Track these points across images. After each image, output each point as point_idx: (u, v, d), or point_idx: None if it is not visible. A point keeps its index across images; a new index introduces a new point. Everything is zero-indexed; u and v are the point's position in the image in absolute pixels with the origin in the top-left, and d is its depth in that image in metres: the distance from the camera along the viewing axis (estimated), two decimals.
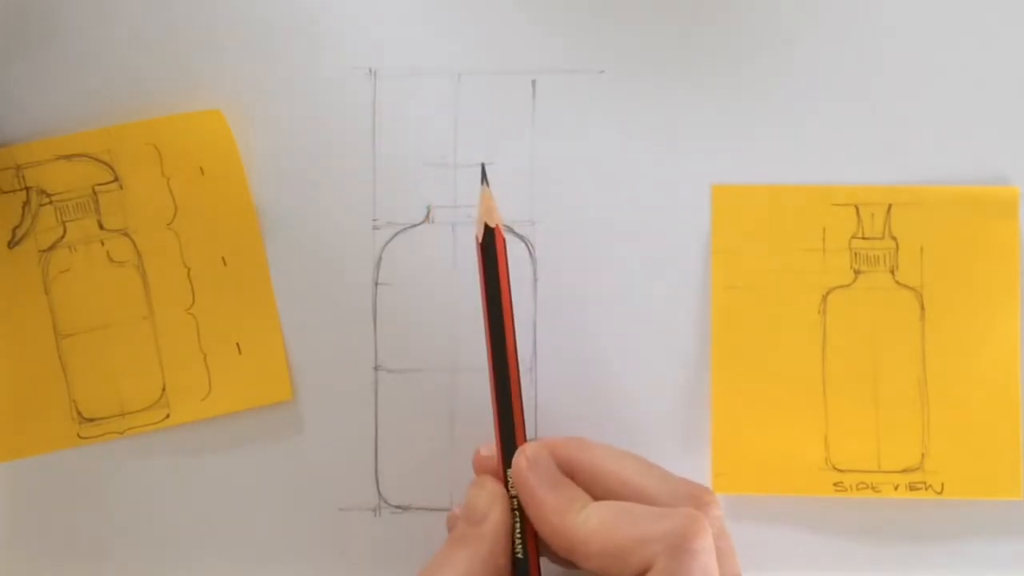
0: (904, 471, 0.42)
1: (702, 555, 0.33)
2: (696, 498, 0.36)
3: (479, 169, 0.40)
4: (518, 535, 0.36)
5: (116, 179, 0.41)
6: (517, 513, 0.36)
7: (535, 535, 0.36)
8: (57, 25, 0.42)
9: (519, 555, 0.36)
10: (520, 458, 0.36)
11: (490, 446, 0.37)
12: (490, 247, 0.37)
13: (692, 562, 0.33)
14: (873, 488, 0.42)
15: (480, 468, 0.38)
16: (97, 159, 0.41)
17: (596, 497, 0.36)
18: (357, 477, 0.42)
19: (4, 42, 0.42)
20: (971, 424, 0.41)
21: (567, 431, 0.41)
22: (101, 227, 0.41)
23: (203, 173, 0.41)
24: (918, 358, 0.42)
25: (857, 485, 0.42)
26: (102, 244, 0.41)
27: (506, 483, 0.37)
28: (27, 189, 0.41)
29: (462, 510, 0.37)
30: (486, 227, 0.37)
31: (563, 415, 0.42)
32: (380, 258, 0.42)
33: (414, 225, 0.42)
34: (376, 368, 0.42)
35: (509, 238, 0.42)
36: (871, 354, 0.42)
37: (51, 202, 0.41)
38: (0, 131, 0.41)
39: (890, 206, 0.42)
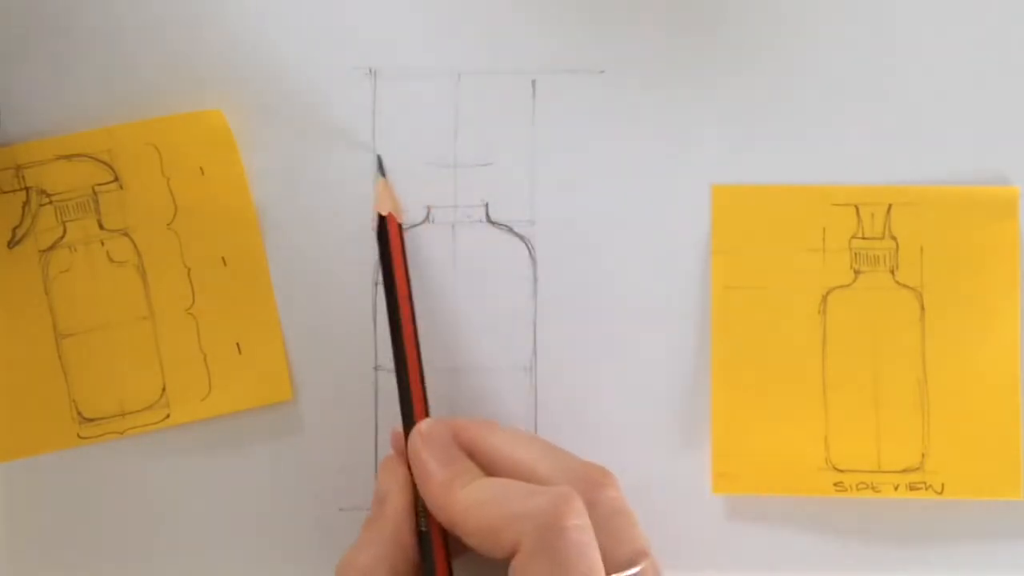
0: (904, 471, 0.42)
1: (571, 532, 0.33)
2: (590, 479, 0.36)
3: (479, 168, 0.40)
4: (421, 509, 0.37)
5: (116, 179, 0.41)
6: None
7: None
8: (57, 25, 0.42)
9: (423, 528, 0.37)
10: (415, 433, 0.37)
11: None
12: (383, 234, 0.39)
13: (559, 540, 0.33)
14: (873, 488, 0.42)
15: (396, 446, 0.38)
16: (97, 159, 0.41)
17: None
18: (357, 477, 0.42)
19: (4, 42, 0.42)
20: (971, 424, 0.41)
21: (567, 431, 0.42)
22: (101, 227, 0.41)
23: (203, 173, 0.41)
24: (918, 358, 0.42)
25: (857, 485, 0.42)
26: (102, 244, 0.41)
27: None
28: (27, 189, 0.41)
29: (374, 496, 0.38)
30: (379, 216, 0.39)
31: (563, 415, 0.42)
32: None
33: (414, 225, 0.42)
34: (376, 368, 0.42)
35: (510, 238, 0.42)
36: (871, 354, 0.42)
37: (51, 202, 0.41)
38: (0, 131, 0.41)
39: (890, 206, 0.42)
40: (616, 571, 0.34)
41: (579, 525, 0.33)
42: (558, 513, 0.33)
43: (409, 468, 0.37)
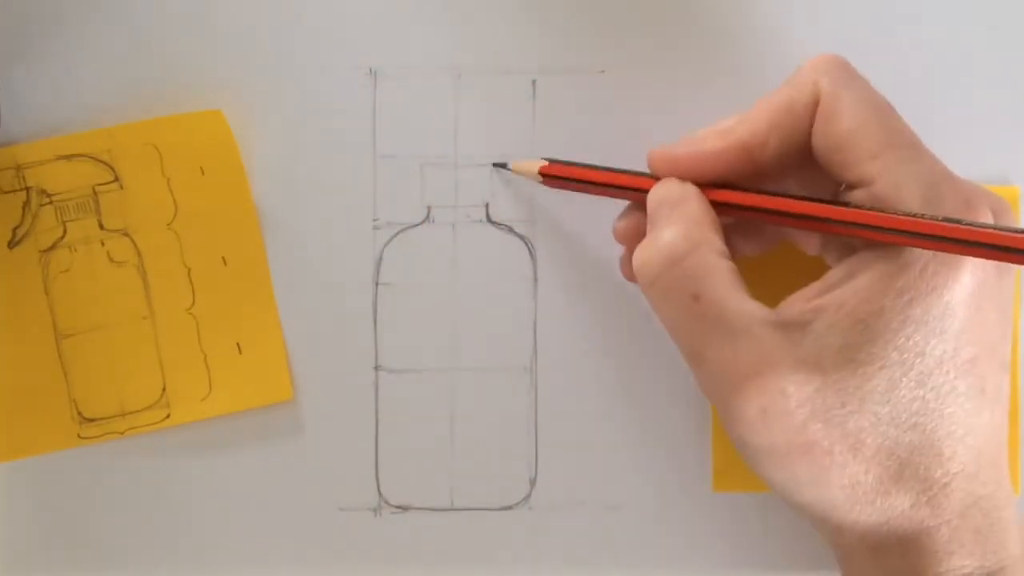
0: None
1: (857, 70, 0.35)
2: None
3: (479, 168, 0.40)
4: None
5: (116, 179, 0.41)
6: None
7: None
8: (57, 25, 0.42)
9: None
10: (656, 153, 0.37)
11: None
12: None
13: (852, 70, 0.35)
14: None
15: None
16: (97, 159, 0.41)
17: None
18: (357, 477, 0.42)
19: (4, 42, 0.42)
20: None
21: (567, 430, 0.42)
22: (101, 227, 0.41)
23: (203, 173, 0.41)
24: None
25: None
26: (102, 244, 0.41)
27: None
28: (27, 189, 0.41)
29: (649, 211, 0.37)
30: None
31: (563, 415, 0.42)
32: (380, 258, 0.42)
33: (414, 225, 0.42)
34: (376, 368, 0.42)
35: (510, 238, 0.42)
36: None
37: (51, 202, 0.41)
38: (1, 131, 0.41)
39: None
40: None
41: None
42: (839, 57, 0.35)
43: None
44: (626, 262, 0.39)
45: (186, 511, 0.42)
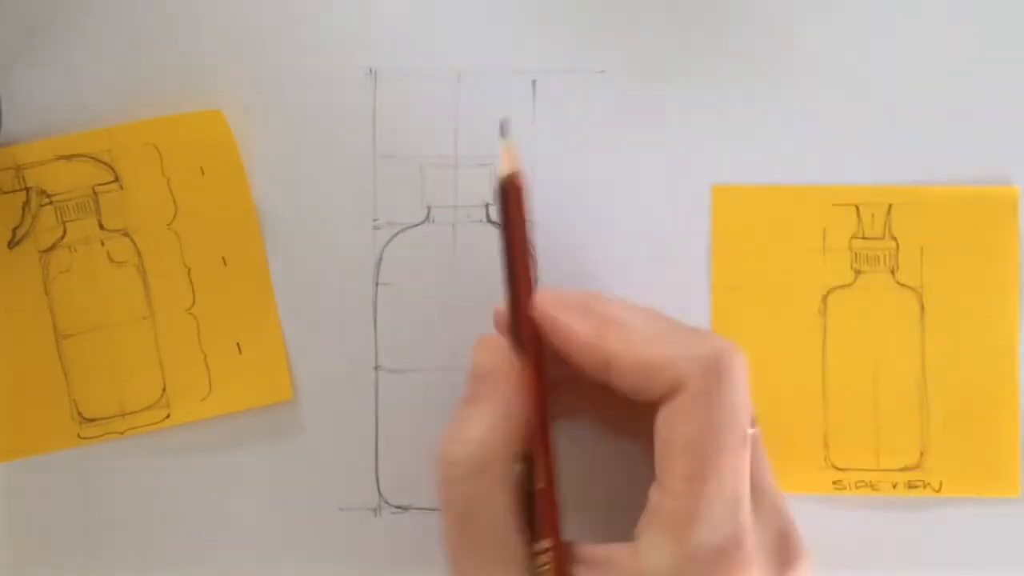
0: (903, 469, 0.42)
1: (737, 377, 0.33)
2: (720, 342, 0.35)
3: (479, 168, 0.40)
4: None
5: (116, 179, 0.41)
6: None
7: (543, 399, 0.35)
8: (57, 25, 0.42)
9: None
10: (541, 300, 0.35)
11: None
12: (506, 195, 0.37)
13: (727, 383, 0.33)
14: (872, 486, 0.42)
15: (499, 323, 0.37)
16: (97, 159, 0.41)
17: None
18: (357, 477, 0.42)
19: (4, 42, 0.42)
20: (970, 423, 0.42)
21: (567, 430, 0.42)
22: (101, 227, 0.41)
23: (203, 173, 0.41)
24: (918, 358, 0.42)
25: (856, 483, 0.42)
26: (102, 244, 0.41)
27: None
28: (27, 189, 0.41)
29: (471, 375, 0.36)
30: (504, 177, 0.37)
31: None
32: (380, 258, 0.42)
33: (414, 225, 0.42)
34: (376, 368, 0.42)
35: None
36: (871, 354, 0.42)
37: (51, 202, 0.41)
38: (2, 131, 0.41)
39: (890, 206, 0.42)
40: None
41: (743, 373, 0.33)
42: (730, 358, 0.33)
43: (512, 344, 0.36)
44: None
45: (186, 511, 0.42)
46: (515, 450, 0.35)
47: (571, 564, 0.34)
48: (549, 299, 0.35)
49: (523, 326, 0.36)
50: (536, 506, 0.35)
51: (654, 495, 0.33)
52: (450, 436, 0.35)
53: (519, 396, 0.35)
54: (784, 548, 0.35)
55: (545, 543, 0.34)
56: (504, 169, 0.36)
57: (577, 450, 0.40)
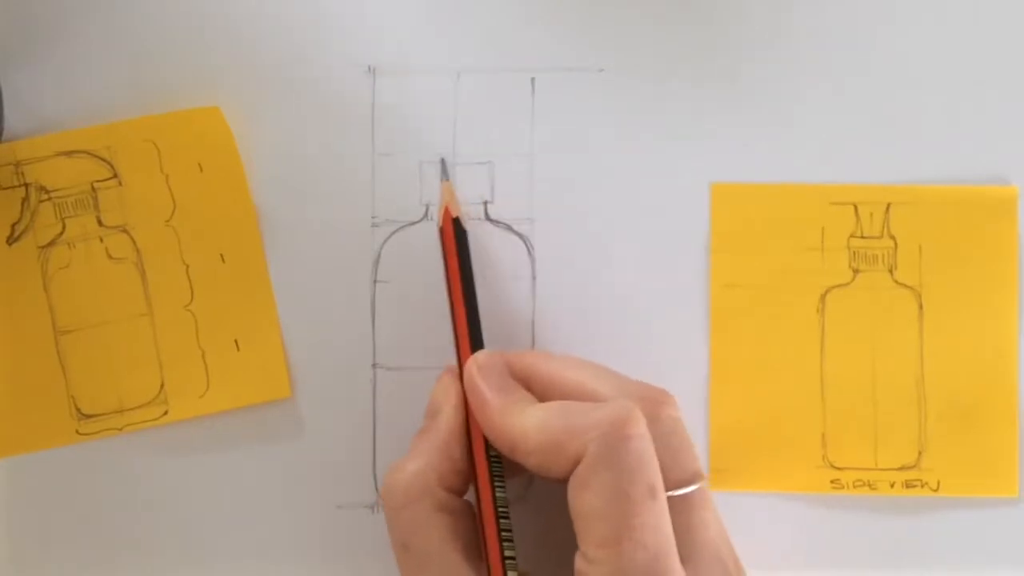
0: (901, 469, 0.42)
1: (634, 440, 0.33)
2: (650, 397, 0.36)
3: (478, 166, 0.40)
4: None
5: (115, 176, 0.41)
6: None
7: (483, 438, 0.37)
8: (57, 23, 0.42)
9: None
10: (471, 364, 0.37)
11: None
12: (451, 235, 0.39)
13: (623, 447, 0.33)
14: (870, 485, 0.42)
15: (451, 372, 0.39)
16: (96, 155, 0.41)
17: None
18: (355, 474, 0.42)
19: (5, 40, 0.42)
20: (968, 422, 0.42)
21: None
22: (100, 224, 0.41)
23: (202, 170, 0.41)
24: (916, 357, 0.42)
25: (854, 483, 0.42)
26: (101, 241, 0.41)
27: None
28: (26, 185, 0.41)
29: (427, 409, 0.38)
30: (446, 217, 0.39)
31: None
32: (379, 256, 0.42)
33: (413, 223, 0.42)
34: (374, 366, 0.42)
35: (508, 236, 0.42)
36: (869, 353, 0.42)
37: (50, 198, 0.41)
38: (3, 130, 0.41)
39: (889, 205, 0.42)
40: (673, 488, 0.35)
41: (642, 435, 0.34)
42: (621, 423, 0.34)
43: (463, 386, 0.38)
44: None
45: (184, 508, 0.42)
46: (452, 480, 0.37)
47: None
48: (478, 366, 0.37)
49: (457, 380, 0.38)
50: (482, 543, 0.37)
51: (578, 563, 0.34)
52: (392, 466, 0.36)
53: (459, 431, 0.37)
54: None
55: None
56: (442, 212, 0.39)
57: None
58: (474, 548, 0.36)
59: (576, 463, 0.34)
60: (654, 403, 0.36)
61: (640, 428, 0.34)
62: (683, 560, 0.34)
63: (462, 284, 0.38)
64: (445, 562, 0.35)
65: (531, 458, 0.35)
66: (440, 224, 0.39)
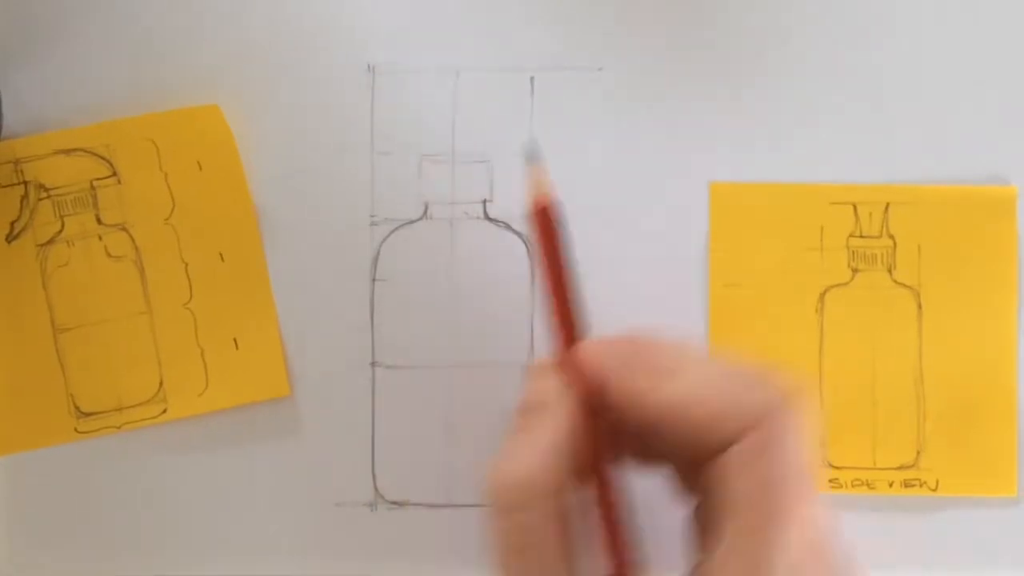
0: (899, 468, 0.42)
1: (802, 429, 0.31)
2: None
3: (478, 166, 0.40)
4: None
5: (114, 174, 0.41)
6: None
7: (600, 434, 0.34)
8: (56, 21, 0.42)
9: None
10: (586, 346, 0.34)
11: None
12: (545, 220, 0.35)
13: (790, 435, 0.31)
14: (868, 485, 0.42)
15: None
16: (95, 154, 0.41)
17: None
18: (354, 472, 0.42)
19: (4, 39, 0.42)
20: (966, 422, 0.42)
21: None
22: (99, 222, 0.41)
23: (201, 168, 0.41)
24: (915, 356, 0.42)
25: (852, 482, 0.42)
26: (100, 239, 0.41)
27: None
28: (25, 183, 0.41)
29: (521, 406, 0.34)
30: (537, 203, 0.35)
31: None
32: (378, 254, 0.42)
33: (412, 221, 0.42)
34: (373, 364, 0.42)
35: (508, 235, 0.42)
36: (868, 352, 0.42)
37: (49, 196, 0.41)
38: (2, 130, 0.41)
39: (888, 205, 0.42)
40: None
41: (806, 424, 0.31)
42: (792, 407, 0.31)
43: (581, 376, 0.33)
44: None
45: (182, 506, 0.42)
46: (565, 483, 0.33)
47: None
48: (596, 350, 0.33)
49: (568, 372, 0.34)
50: (602, 539, 0.34)
51: (715, 551, 0.31)
52: (500, 465, 0.32)
53: (568, 429, 0.33)
54: None
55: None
56: (533, 199, 0.35)
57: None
58: (576, 551, 0.33)
59: (729, 442, 0.31)
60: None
61: (805, 416, 0.31)
62: None
63: (560, 271, 0.34)
64: (554, 567, 0.32)
65: (679, 431, 0.32)
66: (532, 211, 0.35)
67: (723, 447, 0.31)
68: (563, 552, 0.32)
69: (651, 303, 0.42)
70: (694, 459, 0.32)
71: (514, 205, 0.42)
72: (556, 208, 0.35)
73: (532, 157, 0.36)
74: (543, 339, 0.42)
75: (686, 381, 0.32)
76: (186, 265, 0.41)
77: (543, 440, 0.32)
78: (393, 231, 0.42)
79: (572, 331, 0.34)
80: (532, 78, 0.42)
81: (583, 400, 0.33)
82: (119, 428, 0.41)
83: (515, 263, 0.42)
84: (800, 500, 0.30)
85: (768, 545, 0.30)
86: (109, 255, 0.41)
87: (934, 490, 0.42)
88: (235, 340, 0.41)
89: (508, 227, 0.42)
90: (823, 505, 0.31)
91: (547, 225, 0.34)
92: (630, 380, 0.32)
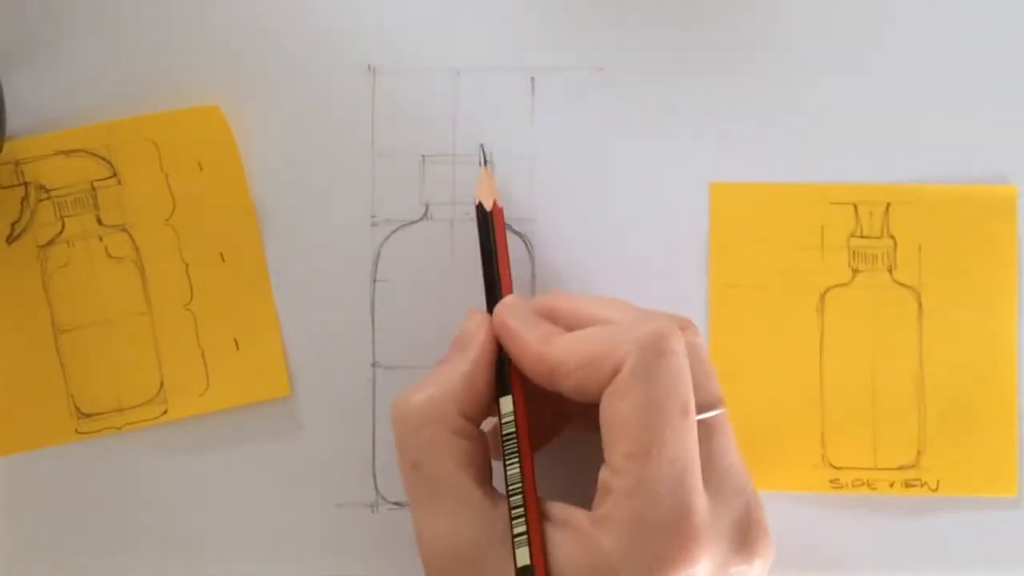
0: (900, 468, 0.42)
1: (673, 356, 0.34)
2: (678, 322, 0.36)
3: (478, 166, 0.40)
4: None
5: (114, 175, 0.41)
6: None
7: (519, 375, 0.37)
8: (57, 22, 0.42)
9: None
10: (501, 306, 0.38)
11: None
12: (485, 221, 0.39)
13: (662, 360, 0.34)
14: (869, 485, 0.42)
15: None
16: (95, 155, 0.41)
17: None
18: (355, 473, 0.42)
19: (4, 39, 0.42)
20: (967, 422, 0.42)
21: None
22: (99, 222, 0.41)
23: (201, 169, 0.41)
24: (915, 356, 0.42)
25: (853, 482, 0.42)
26: (100, 240, 0.41)
27: None
28: (26, 184, 0.41)
29: (452, 342, 0.38)
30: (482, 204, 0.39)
31: None
32: (378, 255, 0.42)
33: (412, 222, 0.42)
34: (374, 365, 0.42)
35: (508, 235, 0.42)
36: (869, 352, 0.42)
37: (50, 197, 0.41)
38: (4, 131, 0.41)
39: (888, 205, 0.42)
40: (696, 412, 0.35)
41: (680, 352, 0.34)
42: (661, 338, 0.34)
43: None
44: None
45: (183, 506, 0.42)
46: (471, 408, 0.36)
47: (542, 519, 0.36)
48: (507, 308, 0.37)
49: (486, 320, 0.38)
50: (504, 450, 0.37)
51: (603, 475, 0.34)
52: (407, 389, 0.37)
53: (485, 363, 0.37)
54: (745, 529, 0.35)
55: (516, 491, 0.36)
56: (483, 197, 0.39)
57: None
58: (485, 474, 0.37)
59: (614, 375, 0.34)
60: (681, 329, 0.36)
61: (679, 345, 0.34)
62: (704, 483, 0.34)
63: (496, 247, 0.39)
64: (456, 483, 0.36)
65: (571, 379, 0.35)
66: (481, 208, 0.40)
67: (605, 384, 0.34)
68: (463, 469, 0.36)
69: (651, 303, 0.42)
70: (592, 410, 0.35)
71: (514, 205, 0.42)
72: (499, 208, 0.39)
73: (483, 160, 0.40)
74: None
75: (570, 338, 0.36)
76: (187, 266, 0.41)
77: (456, 369, 0.36)
78: (394, 232, 0.42)
79: (496, 291, 0.38)
80: (532, 78, 0.42)
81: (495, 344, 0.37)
82: (119, 429, 0.41)
83: (516, 264, 0.41)
84: (676, 418, 0.34)
85: (645, 467, 0.33)
86: (110, 256, 0.41)
87: (935, 490, 0.42)
88: (236, 340, 0.41)
89: (509, 228, 0.42)
90: (723, 434, 0.36)
91: (493, 219, 0.39)
92: (528, 336, 0.36)
